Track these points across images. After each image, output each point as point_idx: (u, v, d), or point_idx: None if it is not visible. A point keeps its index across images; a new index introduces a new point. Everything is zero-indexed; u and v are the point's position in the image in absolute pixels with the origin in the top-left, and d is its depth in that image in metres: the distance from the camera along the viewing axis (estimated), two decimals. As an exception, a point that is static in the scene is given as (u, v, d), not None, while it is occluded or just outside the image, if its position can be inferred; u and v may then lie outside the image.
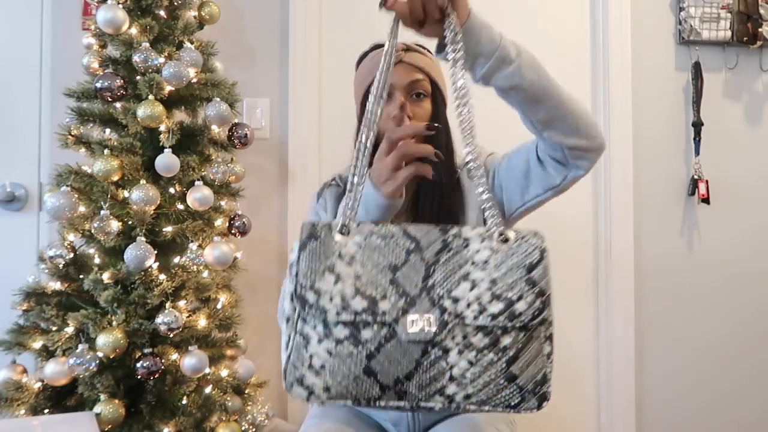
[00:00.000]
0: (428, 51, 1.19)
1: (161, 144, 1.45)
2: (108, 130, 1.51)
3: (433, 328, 0.72)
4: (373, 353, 0.72)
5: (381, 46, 1.20)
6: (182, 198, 1.50)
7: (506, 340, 0.73)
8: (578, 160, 1.03)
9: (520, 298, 0.73)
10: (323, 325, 0.73)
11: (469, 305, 0.73)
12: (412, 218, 1.13)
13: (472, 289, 0.74)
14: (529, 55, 0.93)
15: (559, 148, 1.01)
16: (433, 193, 1.13)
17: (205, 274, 1.51)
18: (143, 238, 1.38)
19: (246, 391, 1.61)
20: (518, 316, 0.73)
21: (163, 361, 1.38)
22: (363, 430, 1.07)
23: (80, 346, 1.34)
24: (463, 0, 0.88)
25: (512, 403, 0.73)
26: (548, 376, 0.74)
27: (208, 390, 1.49)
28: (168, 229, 1.45)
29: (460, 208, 1.15)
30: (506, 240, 0.76)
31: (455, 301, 0.73)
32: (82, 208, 1.41)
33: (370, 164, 0.93)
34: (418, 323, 0.72)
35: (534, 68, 0.93)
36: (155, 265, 1.42)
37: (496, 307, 0.73)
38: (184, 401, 1.44)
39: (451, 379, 0.72)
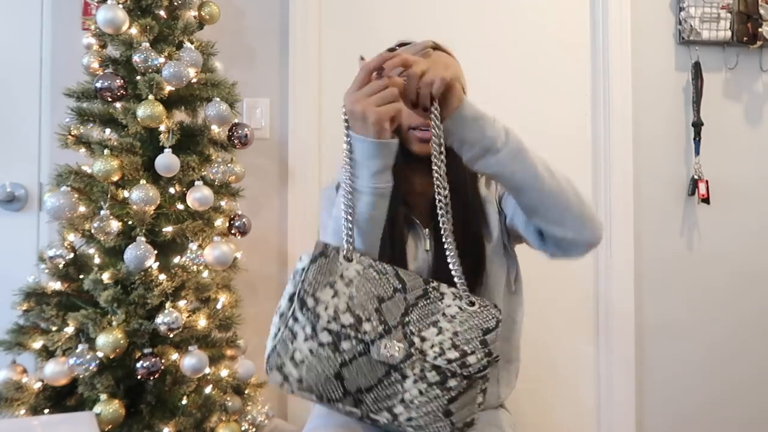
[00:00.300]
0: (451, 52, 1.19)
1: (161, 144, 1.45)
2: (108, 130, 1.51)
3: (400, 356, 0.86)
4: (346, 362, 0.86)
5: (406, 44, 1.18)
6: (182, 198, 1.50)
7: (452, 383, 0.87)
8: (563, 248, 1.02)
9: (472, 352, 0.89)
10: (311, 328, 0.87)
11: (432, 346, 0.88)
12: (433, 224, 1.09)
13: (437, 334, 0.89)
14: (515, 146, 0.93)
15: (543, 233, 1.02)
16: (456, 202, 1.08)
17: (205, 274, 1.51)
18: (143, 238, 1.38)
19: (246, 391, 1.61)
20: (467, 366, 0.88)
21: (163, 361, 1.38)
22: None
23: (80, 346, 1.34)
24: (453, 97, 0.90)
25: None
26: (475, 422, 0.89)
27: (208, 390, 1.49)
28: (168, 229, 1.45)
29: (483, 220, 1.16)
30: (473, 304, 0.93)
31: (422, 340, 0.88)
32: (82, 208, 1.41)
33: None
34: (390, 349, 0.86)
35: (520, 159, 0.93)
36: (155, 265, 1.42)
37: (452, 354, 0.88)
38: (184, 401, 1.44)
39: (402, 401, 0.86)
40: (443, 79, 0.87)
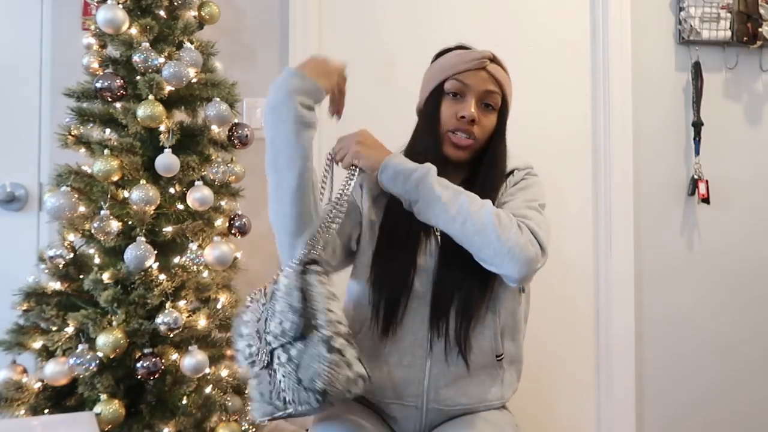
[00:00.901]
0: (506, 68, 1.22)
1: (161, 144, 1.45)
2: (108, 130, 1.51)
3: (265, 359, 0.98)
4: (261, 382, 0.99)
5: (466, 47, 1.21)
6: (182, 198, 1.50)
7: (293, 352, 0.95)
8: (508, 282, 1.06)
9: (284, 320, 0.96)
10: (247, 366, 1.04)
11: (273, 334, 0.97)
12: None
13: (272, 319, 0.99)
14: (426, 196, 1.04)
15: None
16: None
17: (205, 274, 1.51)
18: (143, 238, 1.38)
19: (246, 391, 1.61)
20: (286, 332, 0.96)
21: (163, 361, 1.38)
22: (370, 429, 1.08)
23: (80, 346, 1.34)
24: (364, 166, 1.12)
25: (309, 401, 0.93)
26: (322, 374, 0.92)
27: (208, 390, 1.49)
28: (168, 229, 1.45)
29: None
30: (279, 289, 1.03)
31: (268, 333, 0.98)
32: (82, 208, 1.41)
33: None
34: (261, 358, 0.99)
35: (433, 209, 1.04)
36: (155, 265, 1.42)
37: (277, 329, 0.97)
38: (184, 401, 1.44)
39: (282, 390, 0.95)
40: (350, 155, 1.14)
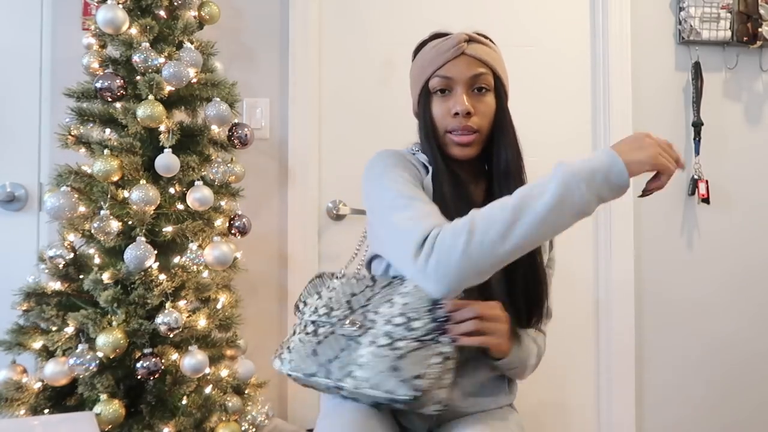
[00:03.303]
0: (491, 41, 1.16)
1: (161, 144, 1.45)
2: (108, 130, 1.51)
3: (356, 328, 1.01)
4: (321, 341, 1.04)
5: (441, 35, 1.15)
6: (182, 198, 1.50)
7: (400, 344, 0.97)
8: None
9: (417, 318, 0.98)
10: (302, 324, 1.10)
11: (383, 317, 1.01)
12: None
13: (390, 308, 1.02)
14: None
15: None
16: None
17: (205, 274, 1.51)
18: (143, 238, 1.38)
19: (246, 391, 1.61)
20: (413, 329, 0.97)
21: (163, 361, 1.38)
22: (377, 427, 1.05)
23: (80, 346, 1.34)
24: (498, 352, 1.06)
25: (390, 388, 0.94)
26: (426, 376, 0.94)
27: (208, 390, 1.49)
28: (168, 229, 1.45)
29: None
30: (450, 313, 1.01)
31: (376, 314, 1.02)
32: (82, 208, 1.41)
33: None
34: (349, 324, 1.02)
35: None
36: (155, 265, 1.42)
37: (399, 320, 0.99)
38: (184, 401, 1.44)
39: (359, 365, 0.97)
40: (482, 342, 1.02)
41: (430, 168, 1.10)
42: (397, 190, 1.01)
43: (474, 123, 1.08)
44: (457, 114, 1.08)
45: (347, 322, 1.03)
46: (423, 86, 1.12)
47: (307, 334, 1.06)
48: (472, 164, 1.14)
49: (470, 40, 1.11)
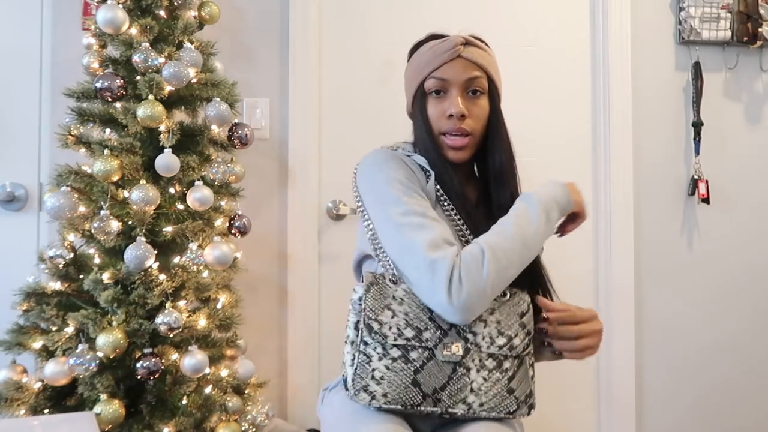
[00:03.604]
0: (485, 44, 1.17)
1: (161, 144, 1.45)
2: (108, 130, 1.51)
3: (461, 353, 0.98)
4: (419, 369, 0.96)
5: (437, 36, 1.16)
6: (182, 198, 1.50)
7: (507, 364, 1.00)
8: None
9: (516, 335, 1.01)
10: (382, 348, 0.98)
11: (483, 338, 1.00)
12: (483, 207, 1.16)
13: (485, 327, 1.00)
14: None
15: None
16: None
17: (205, 274, 1.51)
18: (143, 238, 1.38)
19: (246, 391, 1.61)
20: (515, 347, 1.00)
21: (163, 361, 1.38)
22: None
23: (80, 346, 1.34)
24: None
25: (511, 410, 0.98)
26: (533, 392, 1.02)
27: (208, 390, 1.49)
28: (168, 229, 1.45)
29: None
30: (504, 294, 1.04)
31: (474, 334, 0.99)
32: (82, 208, 1.41)
33: None
34: (450, 349, 0.98)
35: None
36: (155, 265, 1.42)
37: (501, 340, 1.00)
38: (184, 401, 1.44)
39: (472, 390, 0.97)
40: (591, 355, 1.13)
41: (432, 172, 1.10)
42: (407, 204, 1.02)
43: (468, 126, 1.10)
44: (451, 116, 1.09)
45: (450, 346, 0.98)
46: (418, 87, 1.13)
47: (395, 360, 0.96)
48: (465, 165, 1.16)
49: (466, 43, 1.12)
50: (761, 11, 2.00)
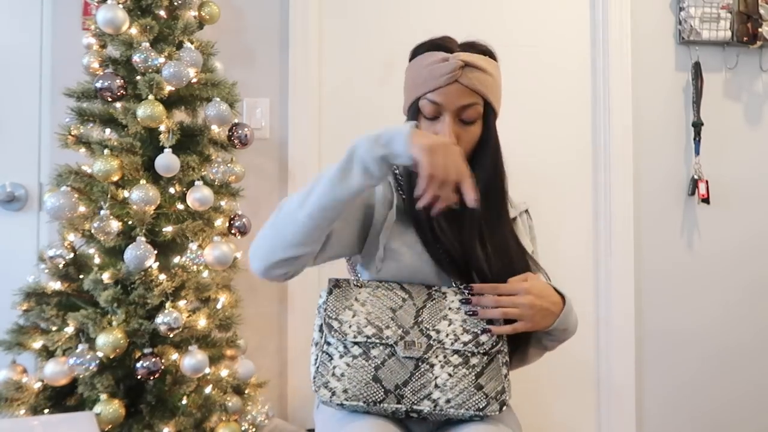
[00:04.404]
0: (490, 55, 1.13)
1: (161, 144, 1.45)
2: (108, 130, 1.51)
3: (422, 349, 0.99)
4: (380, 366, 0.98)
5: (440, 47, 1.11)
6: (182, 198, 1.50)
7: (474, 360, 1.00)
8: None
9: (483, 332, 1.03)
10: (343, 346, 1.00)
11: (447, 335, 1.01)
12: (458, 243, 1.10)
13: (449, 325, 1.03)
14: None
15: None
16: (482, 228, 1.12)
17: (205, 274, 1.51)
18: (143, 238, 1.38)
19: (246, 391, 1.61)
20: (482, 344, 1.02)
21: (163, 361, 1.38)
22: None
23: (80, 346, 1.34)
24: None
25: (480, 406, 0.98)
26: (506, 389, 1.01)
27: (208, 390, 1.49)
28: (168, 229, 1.45)
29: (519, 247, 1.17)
30: (472, 295, 1.06)
31: (437, 332, 1.02)
32: (82, 208, 1.41)
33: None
34: (412, 345, 0.99)
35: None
36: (155, 265, 1.42)
37: (466, 337, 1.02)
38: (184, 401, 1.44)
39: (436, 386, 0.97)
40: (513, 330, 1.05)
41: (396, 195, 1.14)
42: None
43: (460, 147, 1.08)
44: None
45: (411, 343, 0.99)
46: (413, 103, 1.12)
47: (355, 357, 0.98)
48: None
49: (466, 65, 1.07)
50: (761, 11, 2.00)
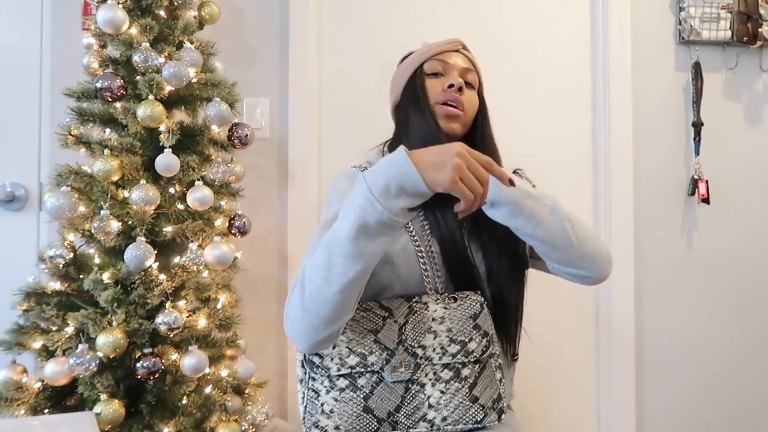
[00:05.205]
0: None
1: (161, 144, 1.45)
2: (108, 130, 1.51)
3: (410, 370, 0.94)
4: (368, 395, 0.94)
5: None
6: (182, 198, 1.50)
7: (466, 372, 0.95)
8: (578, 280, 1.08)
9: (470, 340, 0.97)
10: (328, 380, 0.95)
11: (434, 350, 0.96)
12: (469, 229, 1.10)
13: (434, 338, 0.96)
14: (560, 219, 0.98)
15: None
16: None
17: (205, 274, 1.51)
18: (143, 238, 1.38)
19: (246, 391, 1.61)
20: (471, 352, 0.96)
21: (163, 361, 1.38)
22: None
23: (80, 346, 1.34)
24: (504, 195, 0.97)
25: (478, 419, 0.94)
26: (502, 396, 0.97)
27: (208, 390, 1.49)
28: (168, 229, 1.45)
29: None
30: (455, 300, 1.01)
31: (423, 348, 0.96)
32: (82, 208, 1.41)
33: None
34: (398, 368, 0.94)
35: (556, 226, 0.98)
36: (155, 265, 1.42)
37: (453, 348, 0.96)
38: (184, 401, 1.44)
39: (430, 406, 0.93)
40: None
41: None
42: (319, 234, 1.00)
43: (463, 102, 1.14)
44: (451, 86, 1.13)
45: (398, 365, 0.94)
46: (417, 68, 1.19)
47: (343, 390, 0.94)
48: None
49: (464, 47, 1.23)
50: (761, 11, 2.00)
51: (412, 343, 0.96)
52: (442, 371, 0.95)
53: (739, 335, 2.06)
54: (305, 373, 0.98)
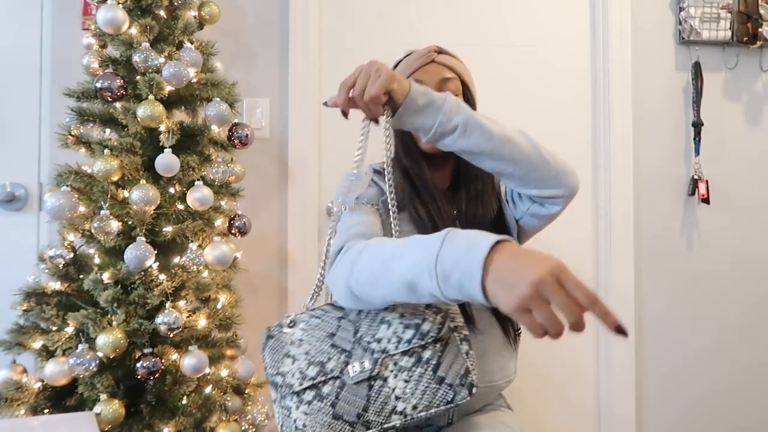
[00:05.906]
0: (457, 58, 1.24)
1: (161, 144, 1.45)
2: (108, 130, 1.51)
3: (369, 366, 0.92)
4: (335, 402, 0.92)
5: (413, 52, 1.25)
6: (182, 198, 1.50)
7: (427, 354, 0.91)
8: (549, 204, 1.09)
9: (424, 320, 0.93)
10: (295, 396, 0.94)
11: (389, 340, 0.93)
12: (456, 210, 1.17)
13: (388, 328, 0.94)
14: (468, 122, 0.97)
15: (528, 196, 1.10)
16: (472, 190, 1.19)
17: (205, 274, 1.51)
18: (143, 238, 1.38)
19: (246, 391, 1.61)
20: (428, 333, 0.92)
21: (163, 361, 1.38)
22: None
23: (80, 346, 1.34)
24: (397, 93, 0.94)
25: (449, 399, 0.90)
26: (470, 370, 0.91)
27: (208, 390, 1.49)
28: (168, 229, 1.45)
29: (500, 219, 1.19)
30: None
31: (378, 341, 0.93)
32: (82, 208, 1.41)
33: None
34: (356, 368, 0.92)
35: (475, 133, 0.97)
36: (155, 265, 1.42)
37: (408, 333, 0.92)
38: (184, 401, 1.44)
39: (397, 398, 0.90)
40: (385, 79, 0.92)
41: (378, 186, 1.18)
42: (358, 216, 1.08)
43: None
44: None
45: (355, 367, 0.93)
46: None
47: (310, 402, 0.94)
48: (438, 160, 1.20)
49: (440, 51, 1.21)
50: (761, 11, 2.00)
51: (368, 339, 0.94)
52: (402, 359, 0.92)
53: (739, 335, 2.06)
54: (276, 392, 0.98)
